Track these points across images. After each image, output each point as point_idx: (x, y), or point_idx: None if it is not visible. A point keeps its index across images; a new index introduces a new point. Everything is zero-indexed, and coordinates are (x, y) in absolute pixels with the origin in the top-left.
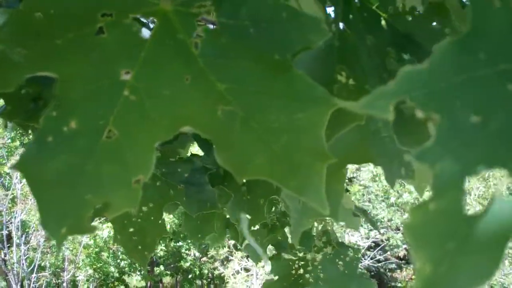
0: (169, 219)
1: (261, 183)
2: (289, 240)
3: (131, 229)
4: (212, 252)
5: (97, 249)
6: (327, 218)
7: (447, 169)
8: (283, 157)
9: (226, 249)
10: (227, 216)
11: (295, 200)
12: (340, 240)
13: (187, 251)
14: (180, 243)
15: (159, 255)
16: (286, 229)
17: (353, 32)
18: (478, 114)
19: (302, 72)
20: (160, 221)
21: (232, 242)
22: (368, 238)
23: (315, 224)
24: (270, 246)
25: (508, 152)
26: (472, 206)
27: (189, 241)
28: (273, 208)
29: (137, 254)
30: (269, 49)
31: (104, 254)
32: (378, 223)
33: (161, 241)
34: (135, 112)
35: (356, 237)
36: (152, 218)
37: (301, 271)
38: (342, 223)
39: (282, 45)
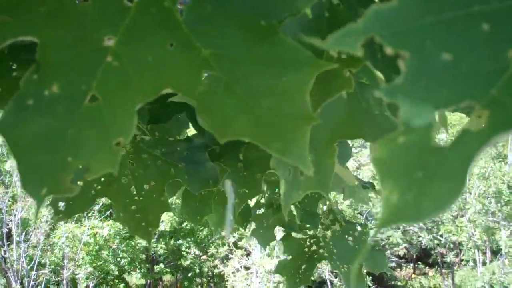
0: (169, 217)
1: (257, 160)
2: (297, 221)
3: (133, 207)
4: (212, 250)
5: (97, 247)
6: (328, 198)
7: (416, 106)
8: (266, 120)
9: (226, 247)
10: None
11: (286, 171)
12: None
13: (187, 249)
14: (180, 241)
15: (159, 253)
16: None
17: (345, 6)
18: (449, 53)
19: (288, 37)
20: (162, 198)
21: (232, 240)
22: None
23: (320, 205)
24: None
25: (477, 92)
26: (472, 205)
27: (189, 239)
28: (276, 189)
29: (141, 231)
30: (254, 15)
31: (104, 252)
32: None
33: (161, 239)
34: (118, 77)
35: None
36: (154, 196)
37: (314, 247)
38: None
39: (268, 11)
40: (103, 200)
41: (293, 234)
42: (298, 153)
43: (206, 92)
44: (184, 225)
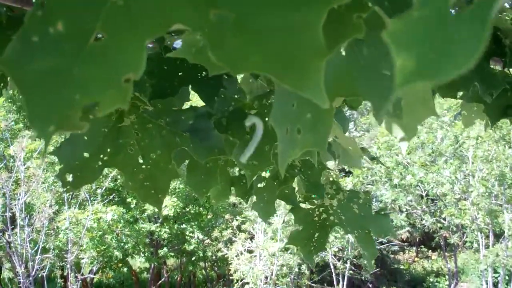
0: (172, 202)
1: (265, 131)
2: (300, 192)
3: (141, 176)
4: (215, 233)
5: (100, 232)
6: (330, 169)
7: None
8: (280, 55)
9: (229, 230)
10: (231, 174)
11: (283, 129)
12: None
13: (191, 234)
14: (184, 226)
15: (163, 237)
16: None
17: None
18: None
19: None
20: (170, 166)
21: (236, 223)
22: None
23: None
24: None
25: None
26: (476, 188)
27: (193, 224)
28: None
29: (151, 199)
30: None
31: (108, 237)
32: (382, 205)
33: (165, 223)
34: (123, 16)
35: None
36: (161, 164)
37: (324, 215)
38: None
39: None
40: (106, 184)
41: (302, 204)
42: (313, 87)
43: (216, 30)
44: (188, 209)
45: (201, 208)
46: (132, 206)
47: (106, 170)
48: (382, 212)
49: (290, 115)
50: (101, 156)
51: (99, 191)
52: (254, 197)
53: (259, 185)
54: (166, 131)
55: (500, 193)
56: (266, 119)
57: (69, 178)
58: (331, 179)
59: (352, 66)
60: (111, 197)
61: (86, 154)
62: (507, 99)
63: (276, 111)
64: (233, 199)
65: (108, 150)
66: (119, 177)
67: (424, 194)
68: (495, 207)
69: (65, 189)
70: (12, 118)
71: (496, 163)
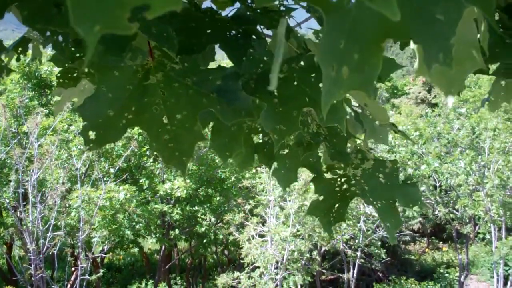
0: (185, 184)
1: (293, 96)
2: (324, 161)
3: (166, 137)
4: (227, 217)
5: (112, 211)
6: (357, 137)
7: None
8: None
9: (242, 214)
10: (255, 141)
11: (329, 67)
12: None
13: (202, 216)
14: (196, 208)
15: (174, 218)
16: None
17: None
18: None
19: None
20: (195, 128)
21: (248, 207)
22: None
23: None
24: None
25: None
26: (491, 179)
27: (205, 206)
28: (305, 129)
29: (175, 161)
30: None
31: (120, 216)
32: None
33: (177, 205)
34: None
35: (371, 208)
36: (187, 125)
37: (346, 186)
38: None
39: None
40: (120, 163)
41: (323, 175)
42: None
43: None
44: (200, 191)
45: (212, 191)
46: (144, 187)
47: (120, 150)
48: (409, 181)
49: (337, 54)
50: (126, 114)
51: (112, 170)
52: (276, 164)
53: (281, 152)
54: (193, 91)
55: None
56: (295, 82)
57: (92, 135)
58: (357, 148)
59: (404, 6)
60: (124, 177)
61: (110, 112)
62: None
63: (324, 49)
64: (246, 183)
65: (133, 108)
66: (132, 158)
67: (437, 184)
68: (509, 199)
69: (88, 147)
70: (27, 95)
71: None
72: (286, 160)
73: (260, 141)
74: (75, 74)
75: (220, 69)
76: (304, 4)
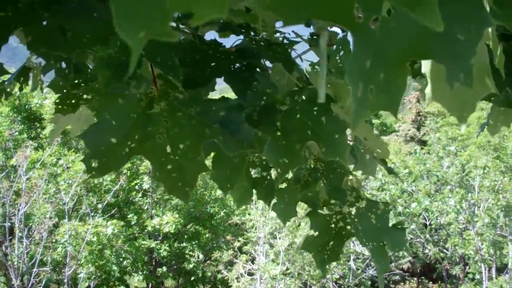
0: (174, 218)
1: (296, 129)
2: (320, 196)
3: (169, 166)
4: (216, 254)
5: (100, 246)
6: (353, 174)
7: None
8: None
9: (231, 251)
10: (254, 176)
11: (357, 87)
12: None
13: (191, 253)
14: (184, 244)
15: (162, 255)
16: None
17: None
18: None
19: None
20: (199, 158)
21: (237, 244)
22: None
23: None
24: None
25: None
26: (481, 218)
27: (194, 243)
28: (303, 165)
29: (177, 191)
30: None
31: (107, 252)
32: None
33: (165, 241)
34: None
35: (361, 247)
36: (190, 155)
37: (341, 224)
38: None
39: None
40: (108, 199)
41: (319, 210)
42: (428, 8)
43: None
44: (188, 227)
45: (201, 227)
46: (132, 223)
47: (108, 185)
48: (399, 226)
49: (364, 74)
50: (129, 143)
51: (100, 206)
52: (275, 198)
53: (280, 186)
54: (196, 121)
55: (505, 224)
56: (298, 115)
57: (95, 163)
58: (352, 185)
59: (426, 28)
60: (112, 212)
61: (113, 140)
62: None
63: (351, 69)
64: (236, 219)
65: (136, 137)
66: (121, 193)
67: (428, 223)
68: (499, 238)
69: (89, 175)
70: (17, 128)
71: (502, 194)
72: (285, 194)
73: (259, 176)
74: (73, 101)
75: (223, 100)
76: (306, 37)
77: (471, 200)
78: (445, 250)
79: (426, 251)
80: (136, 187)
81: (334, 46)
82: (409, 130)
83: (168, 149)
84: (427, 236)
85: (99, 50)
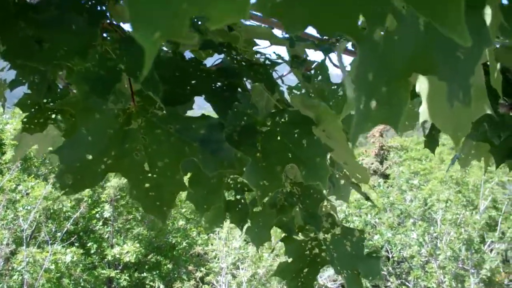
0: (135, 247)
1: (276, 151)
2: (296, 222)
3: (147, 185)
4: (177, 285)
5: (58, 274)
6: (329, 200)
7: None
8: None
9: (192, 281)
10: (227, 198)
11: (360, 99)
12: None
13: (151, 283)
14: (145, 274)
15: (122, 284)
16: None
17: None
18: None
19: None
20: (177, 177)
21: (199, 275)
22: (335, 281)
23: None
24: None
25: None
26: (443, 251)
27: (154, 273)
28: (280, 189)
29: (155, 210)
30: None
31: (65, 280)
32: None
33: (125, 271)
34: None
35: (323, 278)
36: (168, 173)
37: (316, 250)
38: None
39: None
40: (68, 226)
41: (294, 236)
42: (453, 21)
43: None
44: (149, 257)
45: (162, 257)
46: (92, 251)
47: (68, 212)
48: (374, 254)
49: (367, 86)
50: (105, 159)
51: (59, 233)
52: (249, 222)
53: (255, 209)
54: (175, 139)
55: (467, 257)
56: (278, 137)
57: (69, 180)
58: (328, 211)
59: (430, 41)
60: (73, 239)
61: (89, 156)
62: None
63: (355, 81)
64: (198, 249)
65: (113, 153)
66: (81, 220)
67: (390, 255)
68: (461, 271)
69: (63, 191)
70: None
71: (464, 228)
72: (259, 218)
73: (233, 199)
74: (41, 120)
75: (204, 118)
76: (287, 58)
77: (433, 233)
78: (407, 283)
79: (389, 283)
80: (97, 215)
81: (312, 71)
82: (372, 163)
83: (146, 166)
84: (390, 268)
85: (77, 64)
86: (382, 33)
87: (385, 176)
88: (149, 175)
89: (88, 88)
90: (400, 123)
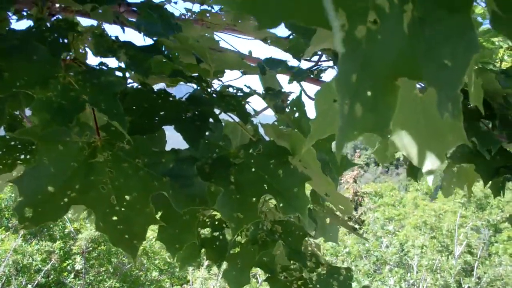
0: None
1: (250, 182)
2: (277, 262)
3: (115, 218)
4: None
5: None
6: (311, 236)
7: None
8: None
9: None
10: (202, 235)
11: (343, 102)
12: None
13: None
14: None
15: None
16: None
17: None
18: None
19: None
20: (147, 209)
21: None
22: None
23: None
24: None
25: None
26: None
27: None
28: (260, 225)
29: (124, 244)
30: None
31: None
32: None
33: None
34: None
35: None
36: (138, 206)
37: None
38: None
39: None
40: (38, 279)
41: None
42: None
43: None
44: None
45: None
46: None
47: (38, 265)
48: None
49: (350, 88)
50: (68, 192)
51: (30, 286)
52: (227, 264)
53: (232, 251)
54: (144, 172)
55: None
56: (253, 169)
57: (29, 213)
58: (312, 251)
59: (414, 46)
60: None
61: (50, 188)
62: (497, 162)
63: (338, 82)
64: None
65: (77, 186)
66: (52, 273)
67: None
68: None
69: (22, 225)
70: None
71: (440, 273)
72: (238, 260)
73: (209, 236)
74: (9, 161)
75: (173, 152)
76: (261, 92)
77: (410, 280)
78: None
79: None
80: (69, 267)
81: (288, 107)
82: None
83: (113, 200)
84: None
85: (38, 93)
86: (364, 31)
87: (360, 222)
88: (117, 208)
89: (49, 116)
90: (384, 134)
